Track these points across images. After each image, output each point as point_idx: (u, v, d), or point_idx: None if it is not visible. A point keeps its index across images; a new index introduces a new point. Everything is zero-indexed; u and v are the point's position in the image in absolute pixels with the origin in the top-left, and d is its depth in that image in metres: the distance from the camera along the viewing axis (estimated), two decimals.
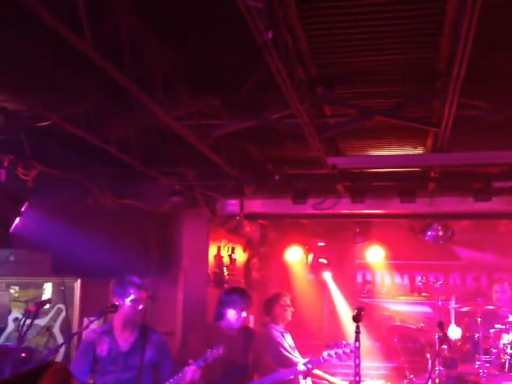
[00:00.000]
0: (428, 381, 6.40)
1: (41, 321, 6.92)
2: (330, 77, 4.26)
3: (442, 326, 6.48)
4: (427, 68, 4.08)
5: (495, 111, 4.55)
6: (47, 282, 7.11)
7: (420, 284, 8.62)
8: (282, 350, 6.41)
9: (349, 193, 6.48)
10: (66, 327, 6.94)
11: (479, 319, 6.60)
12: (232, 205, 7.12)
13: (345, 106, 4.67)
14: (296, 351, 6.67)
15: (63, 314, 7.01)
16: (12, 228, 5.73)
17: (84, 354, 4.84)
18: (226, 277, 7.30)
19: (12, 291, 7.23)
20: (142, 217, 6.49)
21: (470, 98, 4.30)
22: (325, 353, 5.62)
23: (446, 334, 6.63)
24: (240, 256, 8.10)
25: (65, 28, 2.96)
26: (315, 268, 9.17)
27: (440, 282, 8.09)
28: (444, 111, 4.20)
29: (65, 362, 6.60)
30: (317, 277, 9.33)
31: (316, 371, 6.30)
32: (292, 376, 5.71)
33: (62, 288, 7.01)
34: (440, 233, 7.38)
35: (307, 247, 9.19)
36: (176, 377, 4.74)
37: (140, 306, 4.81)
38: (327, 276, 9.21)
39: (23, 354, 6.22)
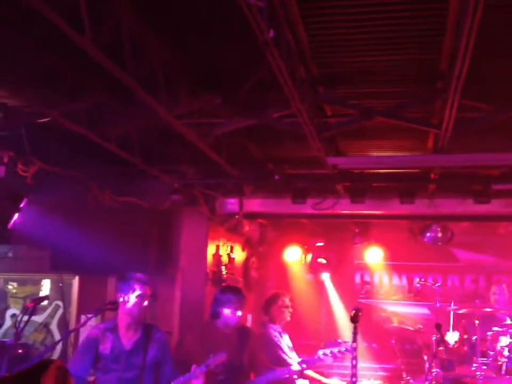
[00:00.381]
0: (425, 382, 6.41)
1: (38, 318, 6.93)
2: (331, 77, 4.26)
3: (440, 328, 6.48)
4: (428, 69, 4.07)
5: (496, 112, 4.55)
6: (45, 278, 7.13)
7: (418, 285, 8.62)
8: (279, 350, 6.41)
9: (348, 194, 6.48)
10: (63, 324, 6.95)
11: (476, 322, 6.60)
12: (232, 203, 7.11)
13: (346, 106, 4.67)
14: (294, 351, 6.67)
15: (61, 311, 7.02)
16: (11, 224, 5.73)
17: (86, 351, 4.79)
18: (225, 276, 7.30)
19: (9, 287, 7.25)
20: (141, 215, 6.49)
21: (471, 100, 4.29)
22: (320, 352, 5.63)
23: (443, 336, 6.64)
24: (239, 255, 8.09)
25: (67, 25, 2.95)
26: (314, 268, 9.17)
27: (439, 284, 8.09)
28: (445, 112, 4.20)
29: (62, 359, 6.60)
30: (315, 277, 9.33)
31: (309, 372, 6.30)
32: (287, 376, 5.72)
33: (60, 284, 7.02)
34: (439, 234, 7.38)
35: (306, 247, 9.19)
36: (182, 379, 4.73)
37: (145, 302, 4.78)
38: (325, 276, 9.21)
39: (20, 351, 6.24)
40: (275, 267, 9.45)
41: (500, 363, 6.36)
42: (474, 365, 6.32)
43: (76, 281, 7.01)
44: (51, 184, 5.82)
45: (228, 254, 7.63)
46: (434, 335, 6.57)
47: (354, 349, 4.42)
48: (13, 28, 3.45)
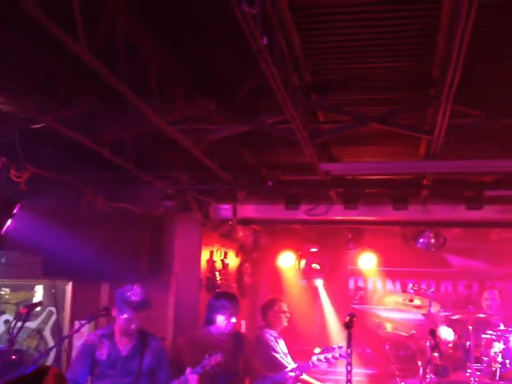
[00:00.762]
0: None
1: (32, 324, 6.90)
2: (324, 83, 4.28)
3: (434, 334, 6.49)
4: (421, 76, 4.10)
5: (488, 119, 4.58)
6: (38, 284, 7.10)
7: (411, 291, 8.63)
8: (275, 355, 6.41)
9: (341, 200, 6.49)
10: (57, 330, 6.92)
11: (470, 327, 6.62)
12: (225, 209, 7.11)
13: (339, 112, 4.69)
14: (289, 356, 6.67)
15: (54, 317, 6.99)
16: (3, 229, 5.71)
17: (83, 357, 4.86)
18: (219, 282, 7.29)
19: (2, 293, 7.21)
20: (134, 221, 6.48)
21: (464, 106, 4.32)
22: (314, 358, 5.64)
23: (437, 341, 6.65)
24: (233, 261, 8.09)
25: (61, 30, 2.96)
26: (307, 274, 9.17)
27: (432, 289, 8.11)
28: (437, 119, 4.22)
29: (56, 365, 6.59)
30: (309, 282, 9.33)
31: (305, 377, 6.30)
32: (282, 381, 5.72)
33: (53, 290, 6.99)
34: (432, 240, 7.40)
35: (299, 252, 9.19)
36: (177, 382, 4.74)
37: (134, 325, 4.82)
38: (319, 282, 9.21)
39: (13, 357, 6.20)
40: (269, 273, 9.45)
41: (494, 369, 6.38)
42: (469, 370, 6.34)
43: (69, 287, 6.99)
44: (44, 189, 5.81)
45: (222, 260, 7.62)
46: (428, 341, 6.58)
47: (349, 355, 4.43)
48: (8, 29, 3.45)
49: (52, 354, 6.66)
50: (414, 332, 8.03)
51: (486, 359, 6.47)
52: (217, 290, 6.93)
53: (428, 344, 6.56)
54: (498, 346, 6.46)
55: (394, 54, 3.84)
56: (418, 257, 8.46)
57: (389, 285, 9.40)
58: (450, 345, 7.09)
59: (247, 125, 4.82)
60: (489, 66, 3.99)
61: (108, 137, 4.95)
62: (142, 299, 4.86)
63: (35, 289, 7.15)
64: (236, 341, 5.55)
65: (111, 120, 4.71)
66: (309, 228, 8.51)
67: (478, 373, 6.34)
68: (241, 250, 8.28)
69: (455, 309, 7.89)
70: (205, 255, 7.17)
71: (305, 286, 9.40)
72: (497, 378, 6.29)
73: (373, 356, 8.81)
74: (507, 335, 6.50)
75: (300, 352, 6.95)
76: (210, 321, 5.48)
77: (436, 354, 6.58)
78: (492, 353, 6.46)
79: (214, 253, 7.39)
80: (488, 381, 6.33)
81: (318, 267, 9.04)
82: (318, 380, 7.02)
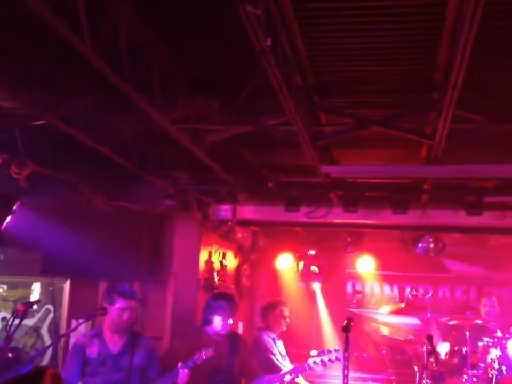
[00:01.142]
0: None
1: (29, 322, 6.89)
2: (327, 85, 4.28)
3: (431, 339, 6.48)
4: (424, 79, 4.10)
5: (490, 124, 4.57)
6: (36, 282, 7.09)
7: (409, 295, 8.62)
8: (272, 356, 6.41)
9: (341, 203, 6.49)
10: (54, 328, 6.91)
11: (467, 333, 6.60)
12: (225, 210, 7.11)
13: (341, 115, 4.68)
14: (287, 359, 6.66)
15: (52, 315, 6.98)
16: (3, 226, 5.71)
17: (74, 357, 4.95)
18: (217, 283, 7.29)
19: (0, 290, 7.20)
20: (133, 219, 6.47)
21: (466, 111, 4.31)
22: (310, 361, 5.63)
23: (434, 347, 6.64)
24: (231, 262, 8.08)
25: (69, 31, 2.96)
26: (305, 276, 9.16)
27: (430, 294, 8.10)
28: (439, 123, 4.22)
29: (53, 363, 6.58)
30: (307, 285, 9.32)
31: (300, 380, 6.28)
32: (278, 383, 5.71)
33: (51, 288, 6.98)
34: (431, 245, 7.40)
35: (298, 255, 9.18)
36: (166, 378, 4.77)
37: (126, 315, 4.86)
38: (316, 285, 9.21)
39: (10, 355, 6.18)
40: (267, 275, 9.44)
41: (490, 375, 6.36)
42: (465, 376, 6.33)
43: (67, 285, 6.98)
44: (44, 187, 5.80)
45: (220, 261, 7.62)
46: (425, 346, 6.57)
47: (346, 359, 4.43)
48: (9, 27, 3.45)
49: (49, 352, 6.65)
50: (411, 336, 8.03)
51: (482, 365, 6.45)
52: (215, 291, 6.93)
53: (425, 349, 6.55)
54: (495, 353, 6.44)
55: (397, 58, 3.84)
56: (416, 261, 8.45)
57: (387, 289, 9.39)
58: (447, 351, 7.08)
59: (249, 126, 4.82)
60: (492, 71, 3.99)
61: (108, 135, 4.95)
62: (131, 289, 5.05)
63: (33, 286, 7.14)
64: (233, 342, 5.54)
65: (112, 118, 4.71)
66: (308, 230, 8.50)
67: (475, 379, 6.32)
68: (239, 252, 8.28)
69: (453, 314, 7.87)
70: (203, 256, 7.17)
71: (303, 289, 9.40)
72: None
73: (369, 360, 8.81)
74: (504, 342, 6.48)
75: (296, 355, 6.95)
76: (207, 321, 5.47)
77: (433, 359, 6.58)
78: (489, 360, 6.44)
79: (213, 254, 7.39)
80: None
81: (317, 270, 9.03)
82: (313, 383, 7.02)
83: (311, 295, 9.31)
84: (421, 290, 8.62)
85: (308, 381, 6.71)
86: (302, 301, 9.12)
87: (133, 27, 3.49)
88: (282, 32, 3.38)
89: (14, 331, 4.70)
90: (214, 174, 5.85)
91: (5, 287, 7.23)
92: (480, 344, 6.59)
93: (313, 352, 5.82)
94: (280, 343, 6.73)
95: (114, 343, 4.93)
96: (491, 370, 6.36)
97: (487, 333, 6.89)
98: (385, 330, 8.99)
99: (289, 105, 3.93)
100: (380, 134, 4.87)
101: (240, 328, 7.92)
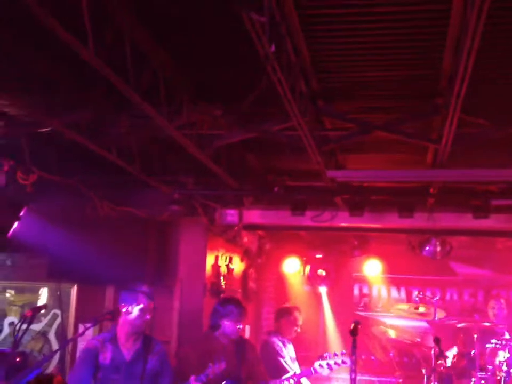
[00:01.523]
0: None
1: (36, 326, 6.92)
2: (331, 91, 4.29)
3: (439, 342, 6.46)
4: (428, 84, 4.10)
5: (496, 128, 4.57)
6: (43, 287, 7.11)
7: (416, 298, 8.59)
8: (281, 359, 6.40)
9: (347, 207, 6.49)
10: (61, 333, 6.93)
11: (475, 336, 6.59)
12: (231, 214, 7.11)
13: (346, 120, 4.68)
14: (296, 362, 6.66)
15: (59, 320, 7.00)
16: (10, 232, 5.74)
17: (86, 362, 4.81)
18: (223, 287, 7.29)
19: (7, 295, 7.23)
20: (139, 225, 6.49)
21: (471, 115, 4.31)
22: (316, 364, 5.63)
23: (442, 349, 6.62)
24: (238, 266, 8.09)
25: (73, 38, 2.98)
26: (312, 280, 9.16)
27: (437, 297, 8.08)
28: (445, 128, 4.21)
29: (60, 368, 6.60)
30: (313, 289, 9.32)
31: (305, 382, 6.28)
32: None
33: (58, 293, 7.01)
34: (438, 248, 7.38)
35: (304, 258, 9.18)
36: None
37: (148, 316, 4.81)
38: (323, 289, 9.20)
39: (18, 359, 6.21)
40: (273, 278, 9.45)
41: (498, 377, 6.34)
42: (473, 379, 6.31)
43: (74, 290, 7.00)
44: (50, 193, 5.83)
45: (227, 265, 7.63)
46: (432, 349, 6.55)
47: (354, 362, 4.42)
48: (16, 33, 3.47)
49: (56, 357, 6.67)
50: (419, 339, 8.00)
51: (490, 367, 6.44)
52: (222, 296, 6.93)
53: (432, 352, 6.54)
54: (503, 355, 6.42)
55: (401, 63, 3.84)
56: (423, 264, 8.43)
57: (394, 292, 9.37)
58: (455, 353, 7.06)
59: (254, 131, 4.83)
60: (497, 75, 3.99)
61: (114, 142, 4.97)
62: (151, 290, 4.93)
63: (40, 291, 7.17)
64: (240, 347, 5.54)
65: (117, 124, 4.73)
66: (314, 234, 8.50)
67: (483, 382, 6.31)
68: (246, 256, 8.28)
69: (460, 317, 7.86)
70: (210, 260, 7.17)
71: (309, 292, 9.39)
72: None
73: (377, 362, 8.79)
74: None
75: (303, 358, 6.95)
76: (216, 326, 5.46)
77: (441, 362, 6.56)
78: (497, 362, 6.42)
79: (219, 258, 7.40)
80: None
81: (324, 273, 9.03)
82: None
83: (318, 298, 9.30)
84: (428, 293, 8.61)
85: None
86: (308, 304, 9.10)
87: (137, 35, 3.50)
88: (286, 38, 3.39)
89: (22, 336, 4.69)
90: (220, 179, 5.86)
91: (13, 292, 7.27)
92: (488, 346, 6.58)
93: (320, 356, 5.81)
94: (290, 346, 6.74)
95: (128, 349, 4.82)
96: (499, 372, 6.34)
97: (495, 335, 6.87)
98: (392, 333, 8.97)
99: (294, 111, 3.94)
100: (385, 138, 4.87)
101: (247, 332, 7.92)
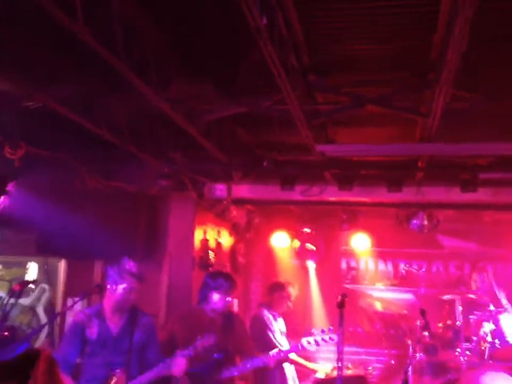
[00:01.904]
0: (409, 366, 6.51)
1: (24, 301, 6.92)
2: (323, 65, 4.26)
3: (424, 314, 6.56)
4: (420, 58, 4.09)
5: (484, 102, 4.57)
6: (32, 261, 7.10)
7: (403, 271, 8.71)
8: (269, 333, 6.45)
9: (336, 181, 6.49)
10: (50, 307, 6.94)
11: (460, 307, 6.69)
12: (220, 189, 7.10)
13: (337, 94, 4.67)
14: (285, 336, 6.71)
15: (47, 294, 7.01)
16: None
17: (73, 336, 4.83)
18: (212, 261, 7.31)
19: None
20: (129, 199, 6.47)
21: (460, 89, 4.31)
22: (304, 341, 5.69)
23: (427, 321, 6.72)
24: (226, 240, 8.11)
25: (61, 12, 2.92)
26: (301, 254, 9.22)
27: (423, 270, 8.19)
28: (434, 101, 4.21)
29: (48, 342, 6.62)
30: (302, 262, 9.39)
31: (294, 357, 6.34)
32: (270, 362, 5.74)
33: (46, 267, 7.00)
34: (425, 222, 7.43)
35: (293, 233, 9.23)
36: (162, 365, 4.75)
37: (133, 295, 4.83)
38: (310, 263, 9.27)
39: (6, 333, 6.22)
40: (262, 253, 9.50)
41: (483, 348, 6.46)
42: (458, 350, 6.43)
43: (62, 264, 7.00)
44: (39, 167, 5.78)
45: (215, 239, 7.65)
46: (418, 321, 6.65)
47: (341, 334, 4.49)
48: (2, 10, 3.40)
49: (44, 331, 6.69)
50: (405, 311, 8.13)
51: (475, 338, 6.56)
52: (211, 269, 6.95)
53: (418, 323, 6.64)
54: (488, 326, 6.54)
55: (393, 36, 3.83)
56: (410, 238, 8.50)
57: (381, 266, 9.47)
58: (440, 325, 7.18)
59: (244, 106, 4.80)
60: (487, 49, 3.98)
61: (103, 116, 4.92)
62: (139, 269, 4.90)
63: (28, 266, 7.15)
64: (228, 320, 5.56)
65: (107, 98, 4.68)
66: (303, 208, 8.53)
67: (468, 352, 6.42)
68: (235, 230, 8.30)
69: (446, 289, 7.97)
70: (198, 234, 7.19)
71: (298, 266, 9.46)
72: (486, 357, 6.38)
73: (364, 334, 8.92)
74: (497, 315, 6.57)
75: (291, 331, 7.00)
76: (205, 298, 5.47)
77: (426, 333, 6.67)
78: (481, 333, 6.54)
79: (208, 232, 7.41)
80: (477, 360, 6.42)
81: (313, 247, 9.09)
82: (308, 358, 7.10)
83: (306, 272, 9.38)
84: (415, 266, 8.72)
85: (302, 356, 6.77)
86: (297, 278, 9.17)
87: (127, 9, 3.45)
88: (278, 11, 3.35)
89: (10, 310, 4.70)
90: (209, 153, 5.84)
91: (1, 266, 7.25)
92: (472, 317, 6.69)
93: (308, 332, 5.86)
94: (280, 320, 6.78)
95: (114, 323, 4.85)
96: (484, 343, 6.46)
97: (480, 307, 6.99)
98: (379, 306, 9.10)
99: (285, 85, 3.92)
100: (375, 112, 4.86)
101: (236, 306, 7.98)
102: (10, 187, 5.72)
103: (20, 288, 4.97)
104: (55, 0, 2.88)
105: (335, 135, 5.86)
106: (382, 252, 9.32)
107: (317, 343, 5.67)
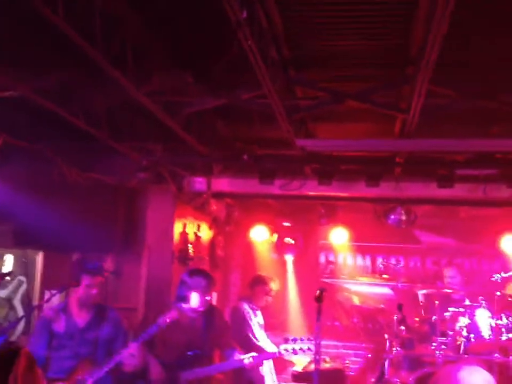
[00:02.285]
0: (385, 360, 6.58)
1: (1, 293, 6.87)
2: (303, 59, 4.28)
3: (401, 308, 6.64)
4: (399, 54, 4.12)
5: (463, 99, 4.63)
6: (9, 253, 7.03)
7: (381, 265, 8.78)
8: (248, 328, 6.46)
9: (316, 175, 6.51)
10: (27, 300, 6.89)
11: (436, 302, 6.76)
12: (200, 182, 7.08)
13: (316, 88, 4.69)
14: (263, 330, 6.72)
15: (24, 286, 6.96)
16: None
17: (41, 330, 5.01)
18: (191, 254, 7.31)
19: None
20: (108, 192, 6.44)
21: (439, 86, 4.35)
22: (282, 348, 5.68)
23: (404, 315, 6.79)
24: (206, 234, 8.11)
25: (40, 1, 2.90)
26: (280, 248, 9.25)
27: (401, 264, 8.26)
28: (413, 98, 4.25)
29: (25, 335, 6.58)
30: (280, 256, 9.42)
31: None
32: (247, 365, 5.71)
33: (24, 260, 6.95)
34: (403, 217, 7.49)
35: (272, 227, 9.25)
36: (119, 355, 4.78)
37: (94, 291, 4.92)
38: (288, 257, 9.30)
39: None
40: (241, 246, 9.51)
41: (458, 343, 6.52)
42: (434, 344, 6.49)
43: (39, 257, 6.95)
44: (17, 158, 5.73)
45: (195, 233, 7.64)
46: (395, 315, 6.72)
47: (318, 327, 4.52)
48: None
49: (21, 323, 6.65)
50: (383, 305, 8.20)
51: (451, 333, 6.62)
52: (190, 265, 6.93)
53: (395, 318, 6.70)
54: (463, 321, 6.61)
55: (373, 32, 3.86)
56: (388, 233, 8.57)
57: (359, 260, 9.54)
58: (417, 319, 7.25)
59: (224, 98, 4.80)
60: (467, 46, 4.03)
61: (82, 107, 4.88)
62: (97, 264, 5.14)
63: (5, 258, 7.09)
64: (208, 317, 5.52)
65: (85, 90, 4.65)
66: (283, 203, 8.55)
67: (443, 347, 6.49)
68: (214, 224, 8.30)
69: (423, 284, 8.04)
70: (178, 228, 7.17)
71: (276, 260, 9.49)
72: (461, 352, 6.45)
73: (341, 328, 8.98)
74: (472, 310, 6.65)
75: (268, 325, 7.03)
76: (183, 298, 5.41)
77: (403, 328, 6.74)
78: (457, 328, 6.60)
79: (187, 226, 7.40)
80: (453, 354, 6.49)
81: (292, 241, 9.12)
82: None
83: (285, 266, 9.41)
84: (393, 261, 8.80)
85: None
86: (276, 272, 9.20)
87: (108, 1, 3.43)
88: (258, 4, 3.36)
89: None
90: (189, 146, 5.83)
91: None
92: (447, 313, 6.76)
93: (286, 339, 5.84)
94: (259, 313, 6.79)
95: (81, 318, 5.01)
96: (459, 337, 6.52)
97: (455, 302, 7.07)
98: (357, 300, 9.17)
99: (265, 78, 3.93)
100: (355, 108, 4.89)
101: (214, 299, 7.99)
102: None
103: None
104: None
105: (315, 130, 5.88)
106: (360, 246, 9.39)
107: (294, 351, 5.68)
